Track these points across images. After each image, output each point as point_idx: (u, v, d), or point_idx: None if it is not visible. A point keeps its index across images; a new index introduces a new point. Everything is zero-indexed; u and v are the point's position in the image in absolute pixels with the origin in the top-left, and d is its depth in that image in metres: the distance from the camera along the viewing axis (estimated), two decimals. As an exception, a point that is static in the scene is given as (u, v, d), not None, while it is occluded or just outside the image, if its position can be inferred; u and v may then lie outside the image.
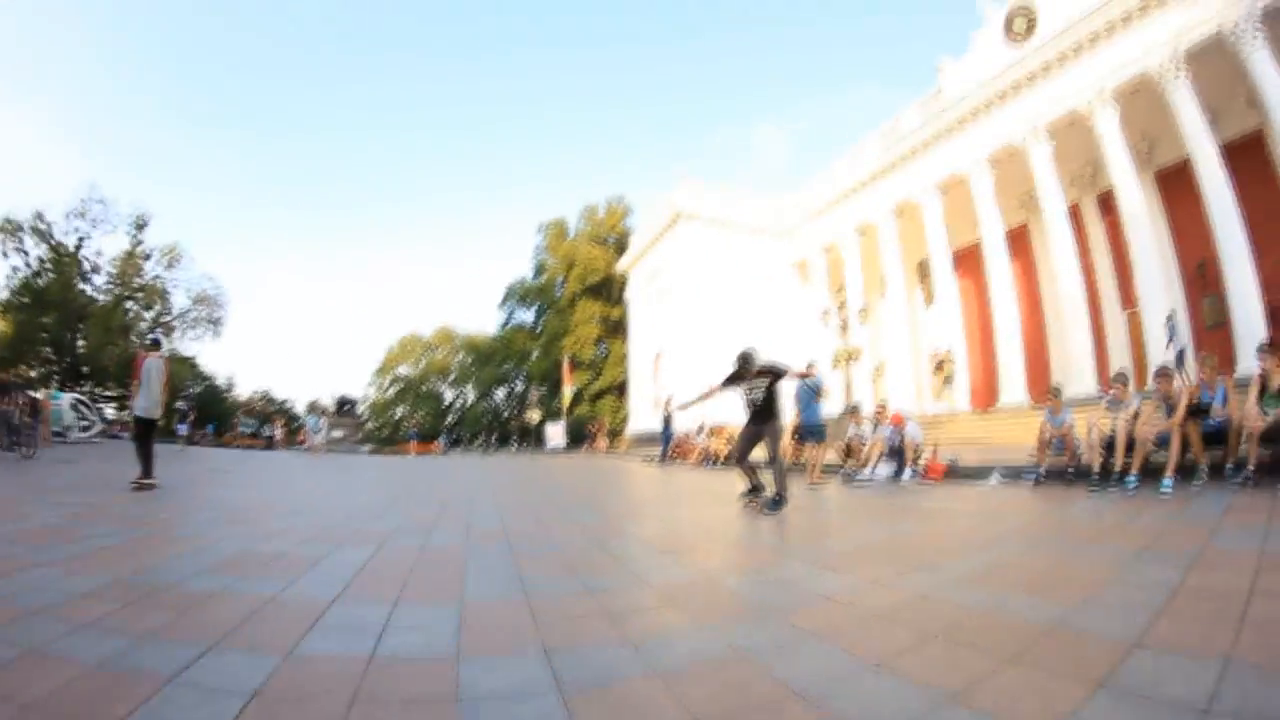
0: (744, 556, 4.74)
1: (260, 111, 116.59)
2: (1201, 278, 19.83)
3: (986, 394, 25.53)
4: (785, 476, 7.15)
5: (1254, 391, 6.74)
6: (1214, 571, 3.34)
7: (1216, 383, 7.38)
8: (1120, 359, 21.31)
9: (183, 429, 24.60)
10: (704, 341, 33.32)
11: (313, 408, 36.14)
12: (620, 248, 52.59)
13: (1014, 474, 9.00)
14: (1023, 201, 25.20)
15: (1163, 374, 7.64)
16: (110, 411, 44.74)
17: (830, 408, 14.24)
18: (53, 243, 44.27)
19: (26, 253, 43.84)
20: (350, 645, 2.45)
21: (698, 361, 32.62)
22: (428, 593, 3.40)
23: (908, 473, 10.55)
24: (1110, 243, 22.78)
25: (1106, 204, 22.42)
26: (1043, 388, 22.56)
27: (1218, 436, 7.06)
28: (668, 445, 21.22)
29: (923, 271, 30.62)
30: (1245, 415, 6.66)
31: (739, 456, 7.65)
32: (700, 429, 20.50)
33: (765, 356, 7.49)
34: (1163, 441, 7.10)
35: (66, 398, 24.75)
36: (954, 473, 10.24)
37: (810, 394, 11.22)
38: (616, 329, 52.78)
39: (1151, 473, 7.05)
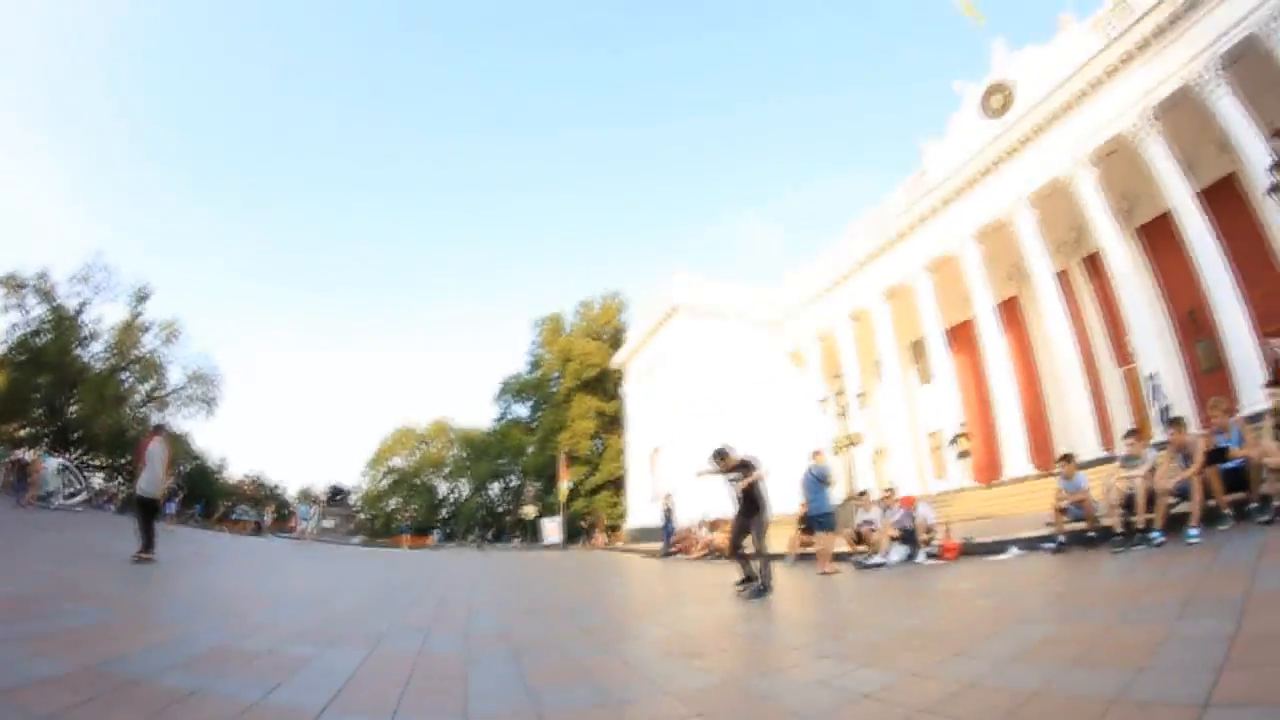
0: (767, 656, 4.44)
1: (263, 194, 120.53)
2: (1193, 323, 19.78)
3: (989, 468, 25.09)
4: (769, 566, 7.86)
5: (1268, 427, 6.69)
6: (1265, 614, 3.20)
7: (1229, 425, 7.22)
8: (1121, 416, 21.19)
9: (171, 508, 23.84)
10: (701, 435, 32.86)
11: (305, 496, 35.55)
12: (615, 342, 52.99)
13: (1031, 545, 8.68)
14: (1011, 273, 25.51)
15: (1175, 424, 7.44)
16: (98, 481, 43.88)
17: (835, 495, 13.86)
18: (54, 304, 44.22)
19: (27, 311, 43.72)
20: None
21: (695, 455, 32.04)
22: (428, 705, 3.09)
23: (922, 554, 10.26)
24: (1100, 302, 22.90)
25: (1094, 265, 22.63)
26: (1045, 456, 22.49)
27: (1237, 478, 6.85)
28: (669, 539, 20.66)
29: (917, 351, 30.64)
30: (1265, 451, 6.54)
31: (731, 548, 8.44)
32: (701, 522, 19.99)
33: (740, 452, 8.35)
34: (1183, 492, 6.93)
35: (54, 461, 24.10)
36: (969, 550, 9.90)
37: (816, 482, 11.09)
38: (613, 423, 52.44)
39: (1174, 524, 6.86)
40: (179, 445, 49.02)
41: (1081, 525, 7.96)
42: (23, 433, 43.43)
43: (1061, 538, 7.96)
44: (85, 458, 45.87)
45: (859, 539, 11.90)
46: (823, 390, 32.70)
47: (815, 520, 11.09)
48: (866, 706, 2.75)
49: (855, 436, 22.11)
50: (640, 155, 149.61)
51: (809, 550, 13.19)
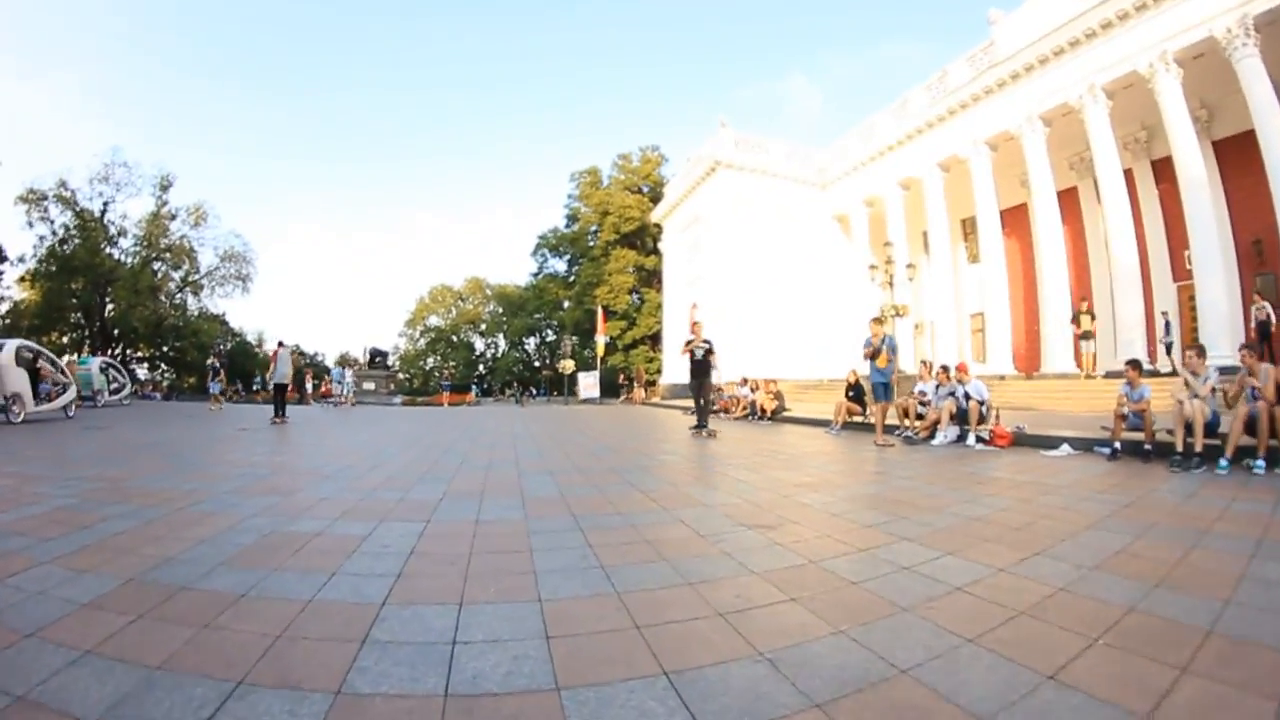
0: (843, 533, 4.18)
1: (288, 69, 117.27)
2: (1257, 255, 19.54)
3: (1029, 358, 25.16)
4: (706, 413, 12.26)
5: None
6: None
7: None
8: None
9: (215, 387, 24.25)
10: (741, 292, 33.22)
11: (342, 360, 35.91)
12: (655, 196, 52.12)
13: (1085, 445, 8.74)
14: (1072, 164, 24.75)
15: (1246, 349, 7.41)
16: (143, 373, 45.51)
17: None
18: (77, 209, 44.55)
19: (52, 221, 44.41)
20: (416, 675, 2.09)
21: (735, 312, 32.51)
22: (497, 589, 2.97)
23: (972, 437, 10.12)
24: (1164, 212, 22.22)
25: (1160, 171, 21.90)
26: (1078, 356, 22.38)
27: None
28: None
29: (966, 229, 30.06)
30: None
31: (694, 399, 12.45)
32: (744, 381, 20.20)
33: (706, 330, 12.82)
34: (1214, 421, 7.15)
35: (96, 361, 25.02)
36: (1020, 440, 9.83)
37: (891, 350, 10.74)
38: (650, 278, 52.44)
39: (1213, 454, 7.06)
40: (215, 325, 51.60)
41: (1139, 436, 8.03)
42: (65, 339, 45.02)
43: (1118, 444, 8.05)
44: (130, 352, 47.76)
45: (905, 412, 11.83)
46: (870, 257, 32.39)
47: (878, 388, 10.70)
48: (964, 601, 2.81)
49: (902, 308, 21.81)
50: (688, 20, 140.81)
51: (855, 419, 13.60)
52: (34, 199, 43.22)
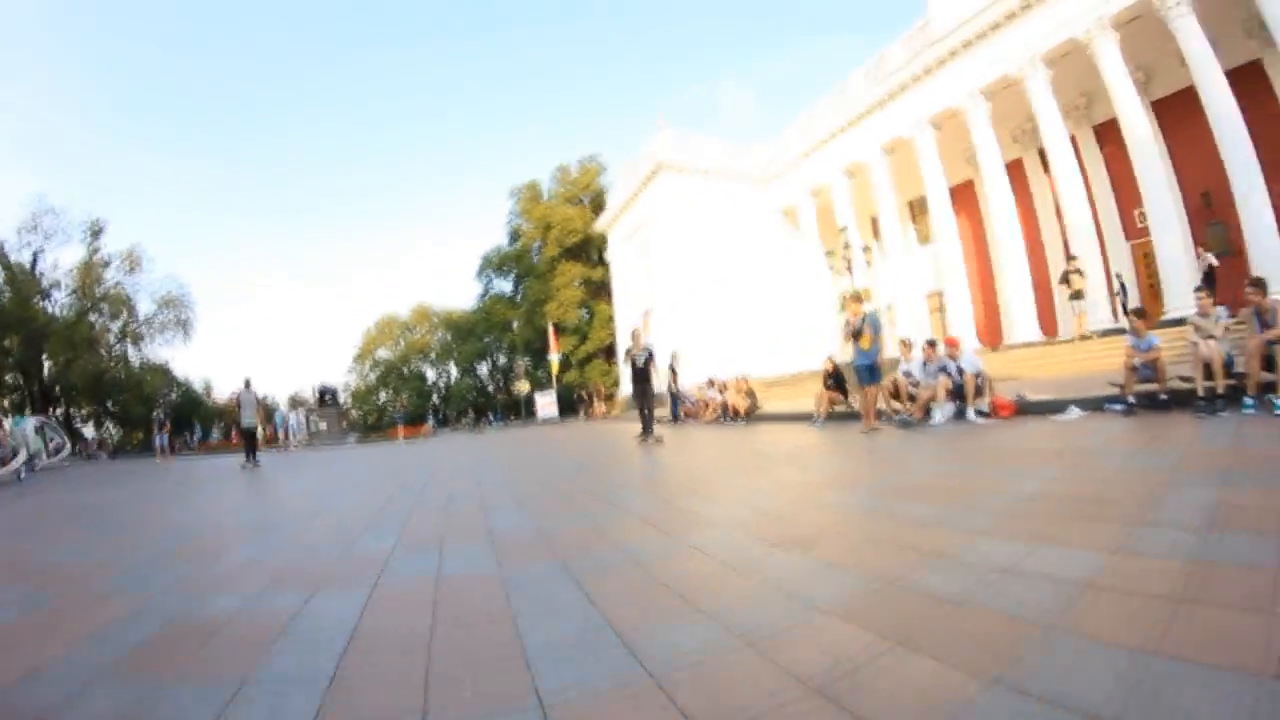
0: (898, 538, 3.35)
1: (207, 118, 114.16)
2: (1207, 206, 19.98)
3: (990, 332, 25.34)
4: (651, 420, 12.22)
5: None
6: None
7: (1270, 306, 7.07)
8: (1132, 289, 21.42)
9: (161, 440, 23.00)
10: (693, 294, 32.94)
11: (293, 402, 34.32)
12: (597, 206, 51.50)
13: (1093, 405, 8.41)
14: (1015, 136, 25.04)
15: (1256, 285, 7.13)
16: (90, 432, 43.43)
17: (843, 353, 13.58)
18: (6, 262, 42.34)
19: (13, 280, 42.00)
20: None
21: (688, 315, 32.18)
22: (474, 691, 2.01)
23: (971, 412, 9.65)
24: (1110, 175, 22.84)
25: (1104, 136, 22.54)
26: (1049, 322, 22.51)
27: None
28: (677, 404, 20.42)
29: (915, 210, 30.43)
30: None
31: (639, 408, 12.36)
32: (711, 383, 19.88)
33: (645, 339, 12.61)
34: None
35: (30, 421, 23.32)
36: (1025, 409, 9.45)
37: (874, 328, 10.21)
38: (599, 290, 51.82)
39: (1236, 394, 6.87)
40: (159, 375, 48.98)
41: (1153, 387, 7.74)
42: (6, 401, 42.69)
43: (1131, 399, 7.77)
44: (72, 411, 45.44)
45: (896, 393, 11.40)
46: (821, 247, 32.37)
47: (863, 371, 10.18)
48: (1109, 602, 2.17)
49: (864, 292, 21.66)
50: (610, 14, 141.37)
51: (838, 408, 13.20)
52: None
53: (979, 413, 9.64)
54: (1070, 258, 19.81)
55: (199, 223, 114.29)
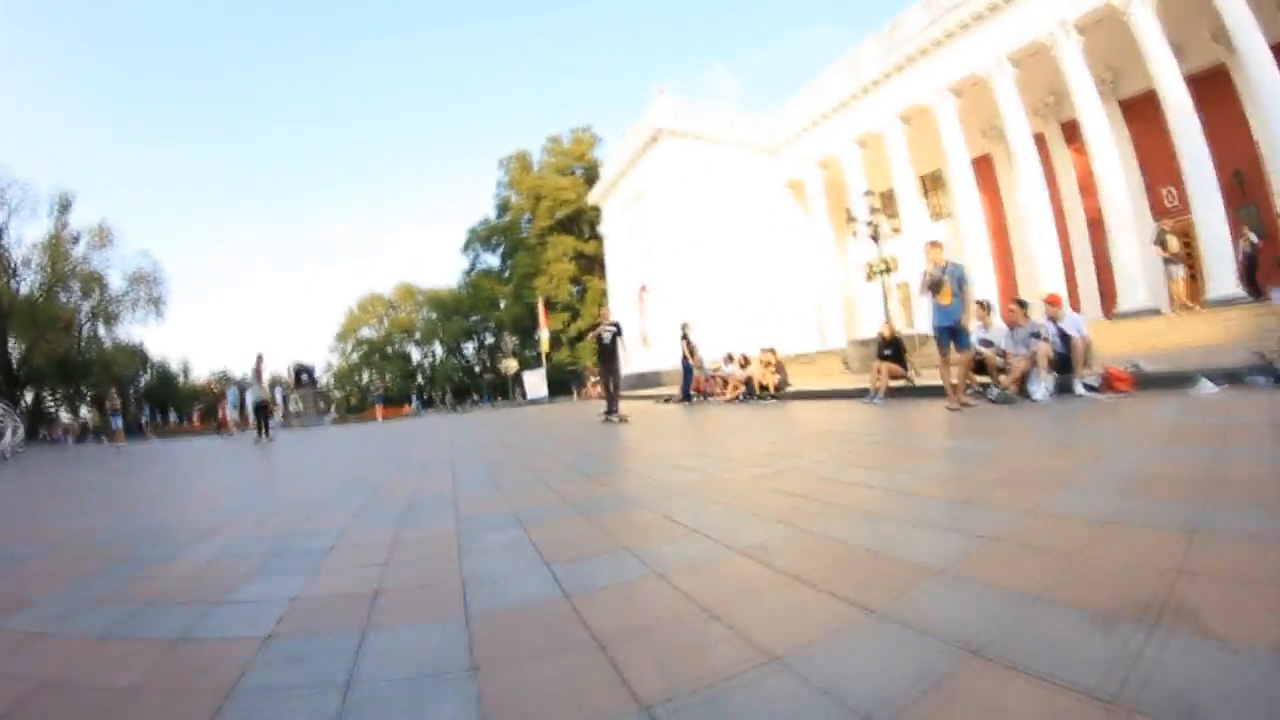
0: (1120, 557, 2.19)
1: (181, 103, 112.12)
2: (1239, 187, 19.43)
3: (1009, 310, 24.40)
4: (616, 399, 12.16)
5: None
6: None
7: None
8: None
9: (117, 421, 21.89)
10: (694, 269, 31.82)
11: (228, 379, 31.98)
12: (590, 179, 50.40)
13: (1230, 377, 7.36)
14: (1036, 109, 24.19)
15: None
16: (66, 416, 42.09)
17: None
18: None
19: None
20: None
21: (688, 291, 31.11)
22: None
23: (1079, 385, 8.23)
24: (1137, 153, 22.11)
25: (1132, 111, 22.02)
26: (1074, 303, 21.71)
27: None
28: (689, 379, 17.83)
29: (927, 186, 29.47)
30: None
31: (604, 385, 12.39)
32: (730, 358, 17.76)
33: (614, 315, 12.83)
34: None
35: None
36: (1143, 383, 8.11)
37: (941, 284, 8.37)
38: (592, 265, 50.87)
39: None
40: (129, 355, 47.71)
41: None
42: None
43: (1283, 368, 6.77)
44: (43, 394, 44.58)
45: (980, 366, 9.51)
46: (830, 220, 31.40)
47: (943, 333, 8.47)
48: None
49: (890, 261, 20.41)
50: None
51: (899, 383, 11.71)
52: None
53: (1088, 386, 8.23)
54: (1168, 218, 19.15)
55: (177, 209, 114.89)
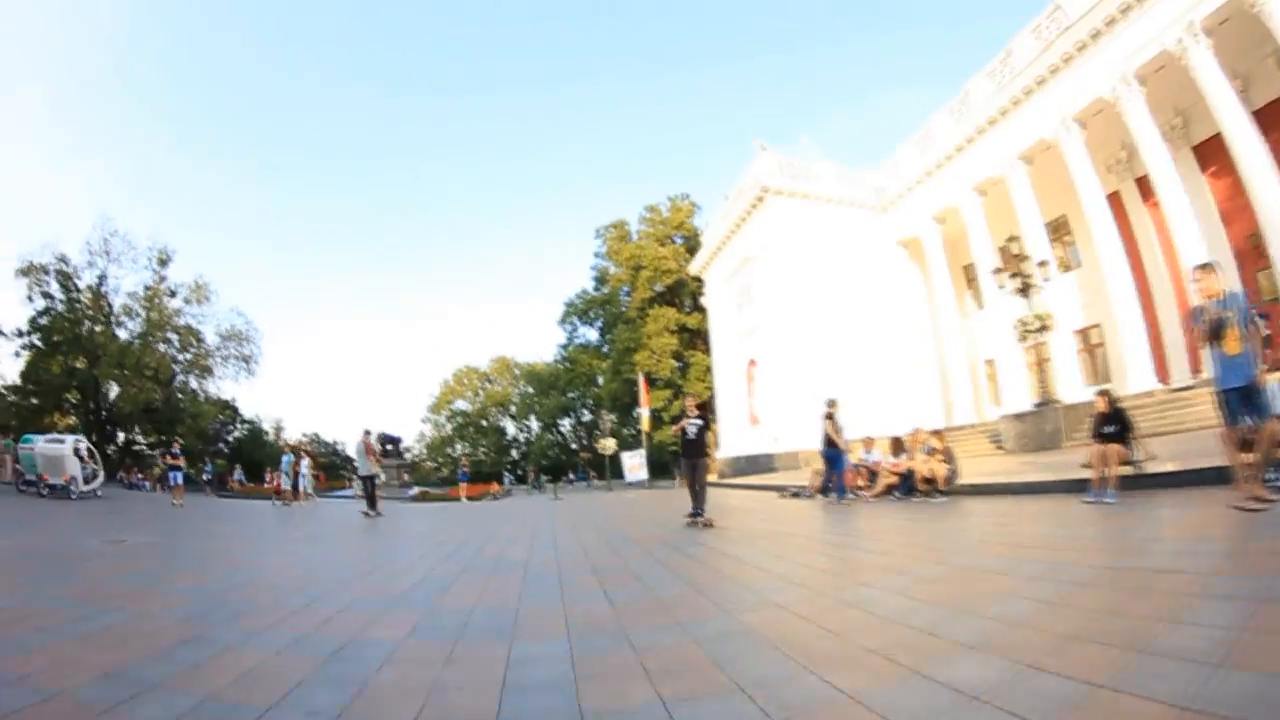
0: None
1: (282, 153, 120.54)
2: None
3: (1164, 370, 21.72)
4: (703, 499, 10.66)
5: None
6: None
7: None
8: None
9: (175, 477, 20.54)
10: (805, 339, 30.17)
11: (295, 448, 31.02)
12: (690, 248, 50.59)
13: None
14: (1165, 134, 21.73)
15: None
16: (168, 463, 44.19)
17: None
18: (77, 284, 44.95)
19: (51, 296, 44.57)
20: None
21: (801, 364, 29.34)
22: None
23: None
24: None
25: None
26: None
27: None
28: (838, 471, 13.75)
29: (1056, 231, 27.03)
30: None
31: (689, 484, 11.09)
32: (871, 444, 14.62)
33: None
34: None
35: (40, 440, 23.34)
36: None
37: (1242, 318, 6.10)
38: (694, 339, 49.89)
39: None
40: (218, 411, 51.04)
41: None
42: (71, 420, 45.06)
43: None
44: (133, 438, 47.82)
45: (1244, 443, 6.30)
46: (948, 281, 29.40)
47: (1233, 397, 6.17)
48: None
49: (1046, 317, 18.11)
50: (694, 93, 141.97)
51: (1129, 469, 9.05)
52: (35, 271, 43.59)
53: None
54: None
55: (265, 260, 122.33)
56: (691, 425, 10.97)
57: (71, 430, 39.18)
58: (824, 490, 14.34)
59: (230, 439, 55.00)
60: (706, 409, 44.91)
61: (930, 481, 12.07)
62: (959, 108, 28.02)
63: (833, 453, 13.74)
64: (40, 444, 22.71)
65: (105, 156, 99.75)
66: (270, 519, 16.63)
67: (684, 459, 11.50)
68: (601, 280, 58.41)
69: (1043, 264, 19.52)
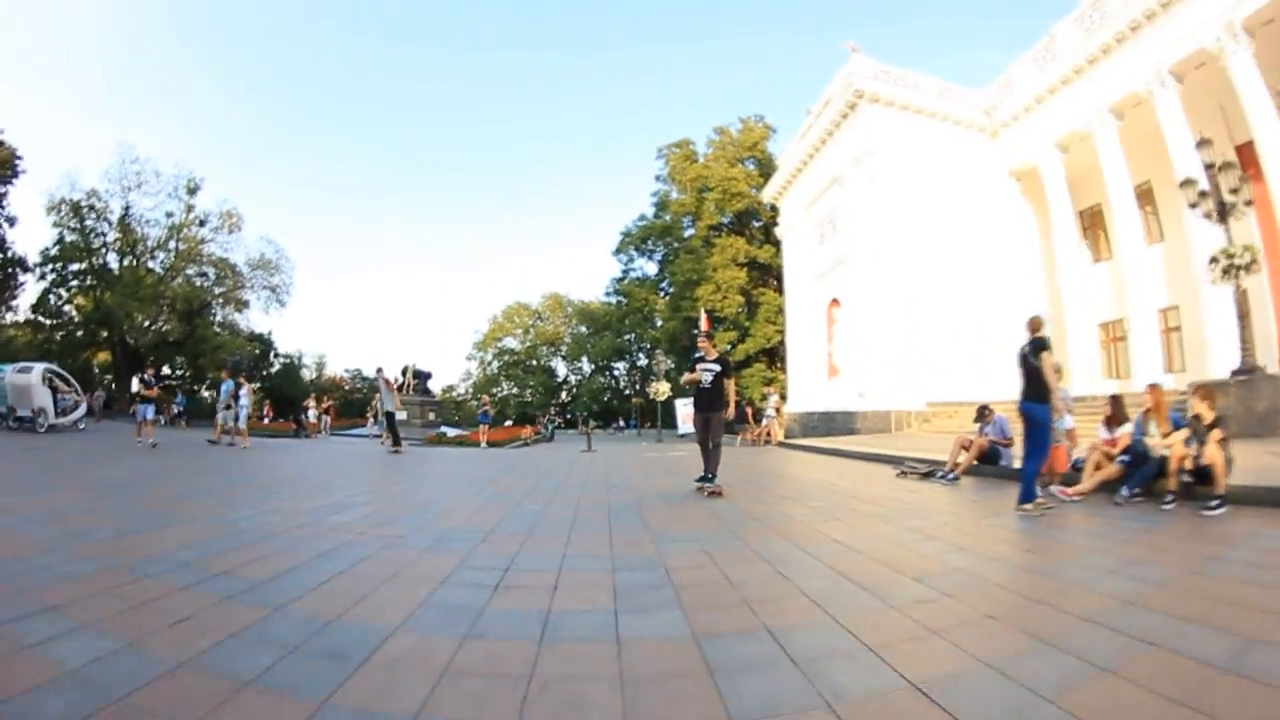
0: None
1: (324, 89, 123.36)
2: None
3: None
4: (716, 460, 9.64)
5: None
6: None
7: None
8: None
9: (146, 411, 17.86)
10: (903, 278, 27.37)
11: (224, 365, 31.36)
12: (765, 173, 47.43)
13: None
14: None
15: None
16: (180, 400, 43.88)
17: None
18: (108, 220, 45.91)
19: (84, 229, 45.41)
20: None
21: (895, 307, 26.90)
22: None
23: None
24: None
25: None
26: None
27: None
28: (1043, 451, 7.96)
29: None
30: None
31: (700, 441, 10.03)
32: (983, 415, 12.08)
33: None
34: None
35: (10, 369, 23.02)
36: None
37: None
38: (765, 276, 47.57)
39: None
40: (241, 342, 51.72)
41: None
42: (109, 356, 47.35)
43: None
44: (168, 372, 48.74)
45: None
46: (1071, 220, 26.51)
47: None
48: None
49: (1251, 249, 14.75)
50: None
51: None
52: (65, 207, 44.51)
53: None
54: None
55: (321, 201, 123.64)
56: (707, 372, 9.85)
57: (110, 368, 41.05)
58: (1025, 484, 7.65)
59: (264, 373, 55.08)
60: (776, 355, 42.89)
61: (1198, 474, 7.58)
62: (1089, 14, 24.98)
63: (1040, 410, 7.76)
64: (10, 373, 22.42)
65: (181, 120, 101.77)
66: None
67: (697, 412, 10.21)
68: (662, 206, 55.57)
69: (1243, 179, 15.26)
